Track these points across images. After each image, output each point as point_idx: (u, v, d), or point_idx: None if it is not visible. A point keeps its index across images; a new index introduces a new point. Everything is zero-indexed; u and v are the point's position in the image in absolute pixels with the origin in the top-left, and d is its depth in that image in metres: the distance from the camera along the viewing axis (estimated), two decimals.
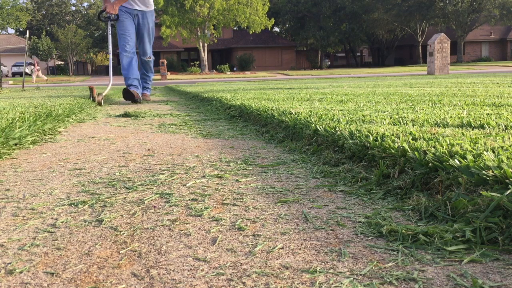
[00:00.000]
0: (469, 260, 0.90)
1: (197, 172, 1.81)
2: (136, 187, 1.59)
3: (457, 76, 13.04)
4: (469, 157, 1.29)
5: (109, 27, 6.58)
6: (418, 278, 0.83)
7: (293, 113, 2.88)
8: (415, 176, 1.38)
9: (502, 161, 1.22)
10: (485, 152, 1.34)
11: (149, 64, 6.79)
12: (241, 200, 1.39)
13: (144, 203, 1.39)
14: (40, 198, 1.48)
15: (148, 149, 2.42)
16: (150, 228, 1.15)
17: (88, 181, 1.70)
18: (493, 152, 1.38)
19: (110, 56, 6.68)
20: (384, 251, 0.96)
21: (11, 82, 26.03)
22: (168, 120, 3.96)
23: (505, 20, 44.84)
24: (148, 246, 1.03)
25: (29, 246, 1.05)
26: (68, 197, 1.49)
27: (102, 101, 6.20)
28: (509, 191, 1.03)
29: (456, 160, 1.30)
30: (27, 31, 8.85)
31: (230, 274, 0.87)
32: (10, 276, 0.90)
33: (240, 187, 1.55)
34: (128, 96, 6.37)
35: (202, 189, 1.54)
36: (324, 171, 1.74)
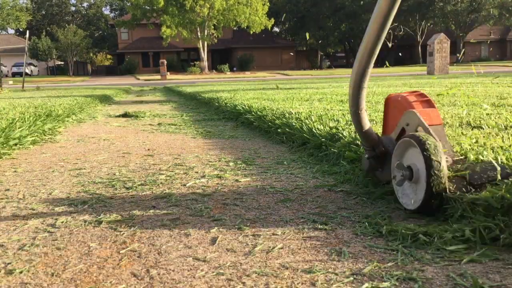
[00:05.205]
0: (469, 259, 0.90)
1: (197, 172, 1.81)
2: (136, 187, 1.59)
3: (457, 76, 13.04)
4: (469, 156, 1.29)
5: None
6: (418, 278, 0.83)
7: (293, 113, 2.88)
8: None
9: (502, 161, 1.22)
10: (484, 152, 1.34)
11: None
12: (241, 200, 1.39)
13: (144, 203, 1.39)
14: (40, 198, 1.48)
15: (148, 149, 2.42)
16: (150, 228, 1.15)
17: (88, 181, 1.70)
18: (493, 151, 1.38)
19: None
20: (384, 251, 0.96)
21: (11, 82, 26.02)
22: (168, 120, 3.96)
23: (504, 20, 44.81)
24: (148, 246, 1.03)
25: (29, 246, 1.05)
26: (68, 197, 1.49)
27: None
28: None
29: None
30: (27, 31, 8.85)
31: (230, 274, 0.87)
32: (10, 276, 0.90)
33: (240, 187, 1.55)
34: None
35: (202, 189, 1.54)
36: (324, 170, 1.74)
